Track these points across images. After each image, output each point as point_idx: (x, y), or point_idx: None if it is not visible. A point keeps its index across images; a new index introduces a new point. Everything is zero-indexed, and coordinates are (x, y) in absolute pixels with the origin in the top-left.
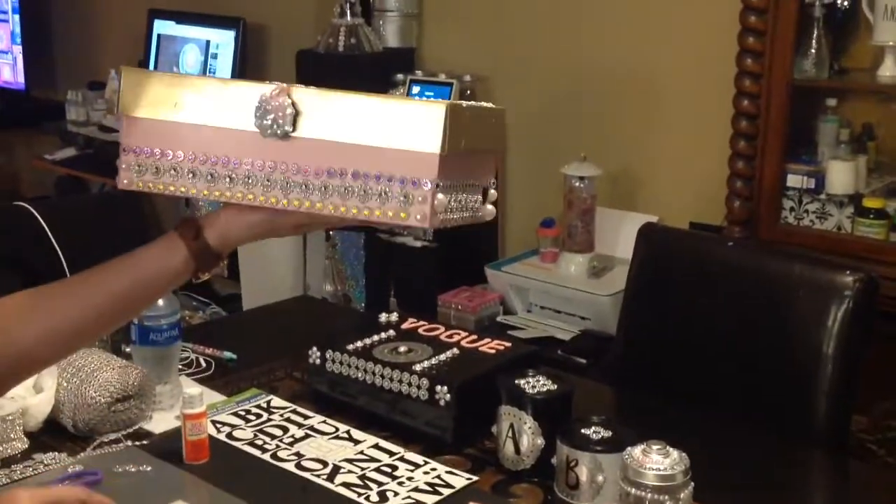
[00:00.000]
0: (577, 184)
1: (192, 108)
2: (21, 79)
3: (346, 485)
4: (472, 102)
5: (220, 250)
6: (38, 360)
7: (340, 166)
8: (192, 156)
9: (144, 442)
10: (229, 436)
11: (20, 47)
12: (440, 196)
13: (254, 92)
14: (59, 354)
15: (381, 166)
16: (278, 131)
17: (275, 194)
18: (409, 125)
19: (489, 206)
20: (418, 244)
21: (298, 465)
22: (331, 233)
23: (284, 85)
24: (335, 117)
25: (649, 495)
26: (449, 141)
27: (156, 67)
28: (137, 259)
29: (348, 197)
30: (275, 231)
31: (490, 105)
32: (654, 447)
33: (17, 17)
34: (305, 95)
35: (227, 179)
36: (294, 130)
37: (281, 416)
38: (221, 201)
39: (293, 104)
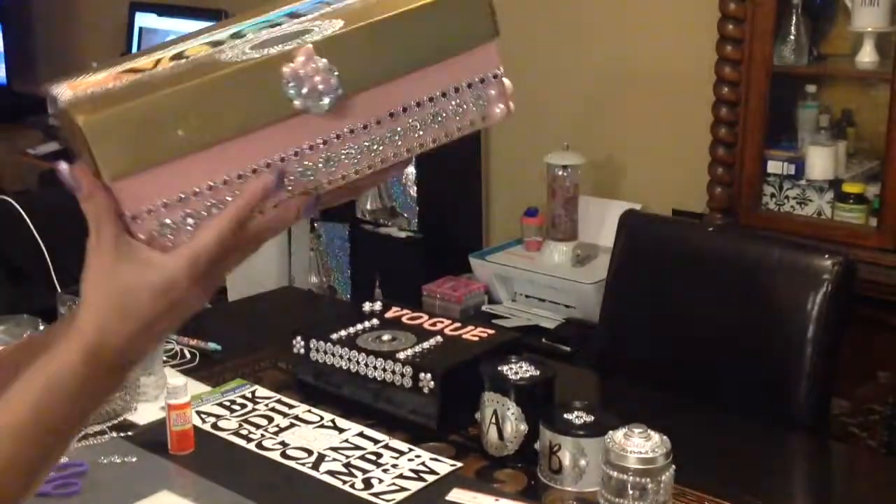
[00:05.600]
0: (561, 172)
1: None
2: (2, 73)
3: (332, 473)
4: None
5: None
6: None
7: (402, 104)
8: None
9: (129, 433)
10: (214, 426)
11: (1, 41)
12: (505, 80)
13: (261, 74)
14: None
15: (444, 83)
16: (329, 98)
17: (342, 171)
18: (453, 25)
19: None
20: (403, 235)
21: (283, 454)
22: (315, 224)
23: (306, 46)
24: (374, 55)
25: (631, 478)
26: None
27: None
28: None
29: (423, 129)
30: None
31: None
32: (636, 431)
33: None
34: (330, 46)
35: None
36: (343, 91)
37: (266, 405)
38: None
39: (327, 63)
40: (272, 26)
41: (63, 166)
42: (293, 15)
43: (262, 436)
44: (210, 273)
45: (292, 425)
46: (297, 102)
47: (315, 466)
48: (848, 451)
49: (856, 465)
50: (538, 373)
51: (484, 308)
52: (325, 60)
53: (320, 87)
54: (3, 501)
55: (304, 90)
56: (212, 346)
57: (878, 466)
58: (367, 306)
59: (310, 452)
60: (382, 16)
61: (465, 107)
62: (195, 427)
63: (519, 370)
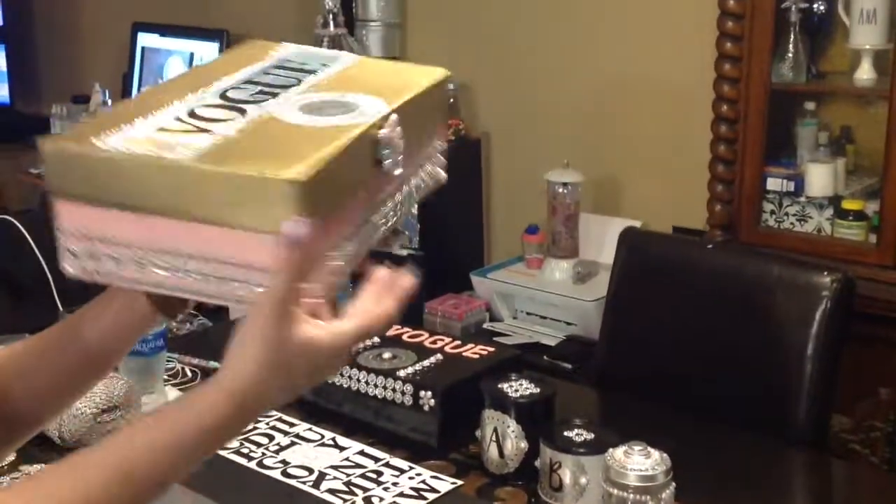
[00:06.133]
0: (561, 190)
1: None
2: (5, 93)
3: (332, 491)
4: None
5: None
6: (31, 421)
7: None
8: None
9: None
10: None
11: (4, 62)
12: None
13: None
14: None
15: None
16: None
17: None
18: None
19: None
20: (404, 252)
21: (284, 473)
22: None
23: (393, 116)
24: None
25: (631, 496)
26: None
27: (140, 81)
28: (98, 309)
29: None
30: None
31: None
32: (636, 448)
33: None
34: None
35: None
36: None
37: (266, 424)
38: None
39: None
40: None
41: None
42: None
43: (263, 454)
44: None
45: (293, 444)
46: (386, 163)
47: (316, 485)
48: (849, 468)
49: (857, 481)
50: (538, 390)
51: (485, 325)
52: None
53: (400, 150)
54: None
55: (393, 153)
56: (213, 364)
57: (879, 483)
58: None
59: (310, 471)
60: (413, 92)
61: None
62: None
63: (519, 388)
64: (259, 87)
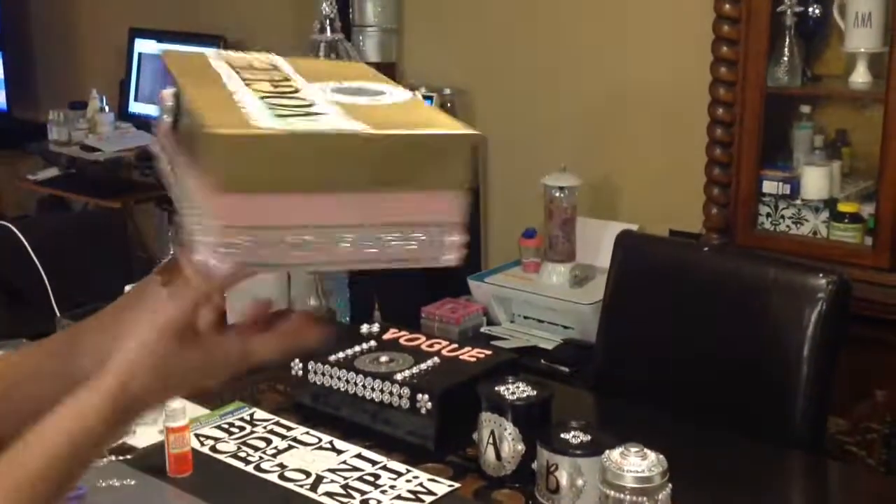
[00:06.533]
0: (558, 194)
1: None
2: (2, 100)
3: (330, 494)
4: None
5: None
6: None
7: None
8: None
9: (128, 456)
10: (213, 448)
11: (1, 68)
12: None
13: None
14: None
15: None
16: None
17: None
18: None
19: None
20: None
21: (282, 476)
22: None
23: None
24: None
25: (628, 497)
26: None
27: (137, 86)
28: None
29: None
30: None
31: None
32: (633, 450)
33: None
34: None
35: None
36: None
37: (264, 428)
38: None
39: None
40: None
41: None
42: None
43: (261, 458)
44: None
45: (290, 447)
46: None
47: (313, 488)
48: (845, 470)
49: (853, 483)
50: (535, 393)
51: (482, 329)
52: None
53: None
54: None
55: None
56: None
57: (875, 484)
58: (364, 328)
59: (308, 474)
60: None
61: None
62: (193, 450)
63: (516, 390)
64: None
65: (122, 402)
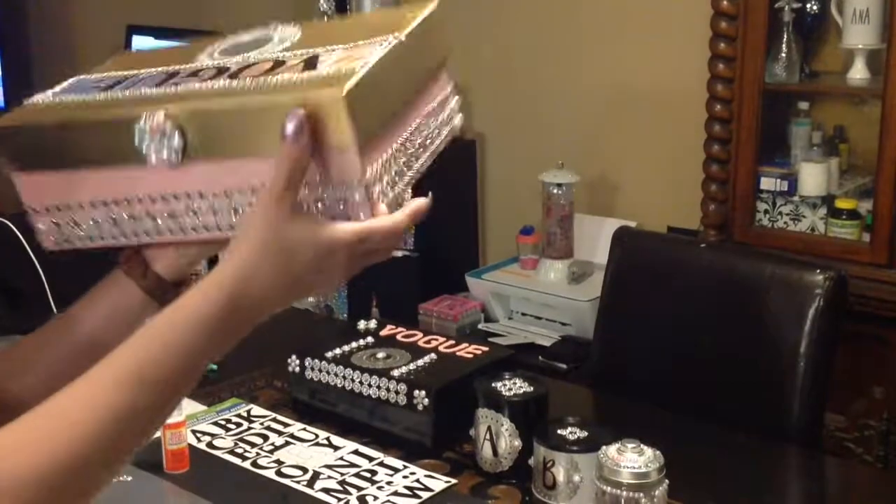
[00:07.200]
0: (556, 191)
1: (77, 150)
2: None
3: (326, 490)
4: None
5: (178, 278)
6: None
7: (250, 185)
8: (89, 203)
9: None
10: (209, 445)
11: None
12: (378, 188)
13: (133, 117)
14: None
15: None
16: (165, 160)
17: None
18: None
19: (457, 118)
20: (399, 254)
21: (279, 473)
22: None
23: (164, 110)
24: (224, 132)
25: (625, 493)
26: (359, 130)
27: None
28: (93, 301)
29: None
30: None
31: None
32: (629, 446)
33: None
34: (186, 112)
35: (131, 220)
36: (183, 158)
37: (261, 424)
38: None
39: (179, 129)
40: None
41: (300, 112)
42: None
43: (258, 454)
44: (362, 258)
45: (287, 443)
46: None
47: (310, 484)
48: (843, 466)
49: (851, 479)
50: (532, 389)
51: (480, 326)
52: (175, 126)
53: (160, 147)
54: (120, 452)
55: (146, 144)
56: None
57: (873, 480)
58: (361, 325)
59: (305, 470)
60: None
61: (324, 204)
62: (190, 446)
63: (513, 386)
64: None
65: (234, 288)
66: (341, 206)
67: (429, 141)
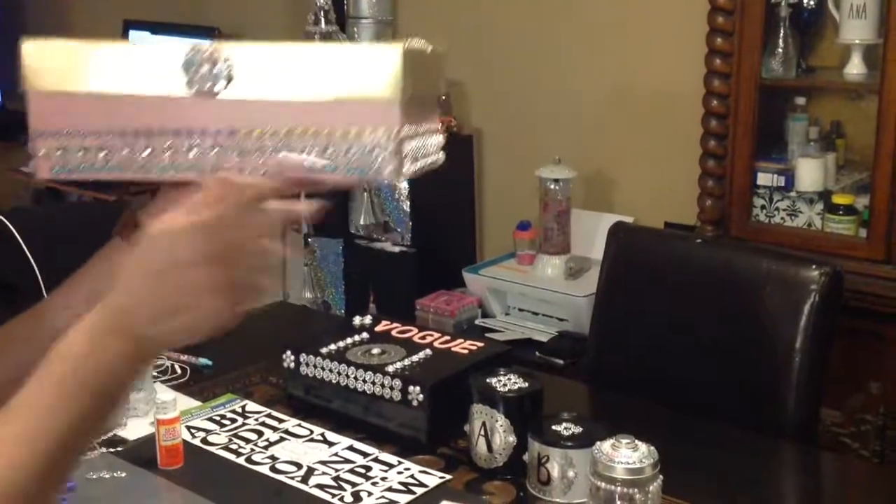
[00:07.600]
0: (553, 186)
1: (101, 75)
2: None
3: (321, 486)
4: (414, 45)
5: None
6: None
7: (287, 126)
8: (105, 131)
9: (119, 448)
10: (204, 441)
11: None
12: (407, 144)
13: (175, 51)
14: None
15: (335, 122)
16: (206, 87)
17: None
18: (359, 72)
19: (441, 153)
20: (396, 250)
21: (273, 468)
22: (309, 239)
23: (217, 43)
24: (275, 72)
25: (619, 489)
26: (405, 86)
27: None
28: (92, 269)
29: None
30: None
31: (428, 46)
32: (623, 441)
33: None
34: (240, 51)
35: (148, 152)
36: (226, 88)
37: (256, 420)
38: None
39: (227, 60)
40: None
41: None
42: None
43: (252, 450)
44: (217, 237)
45: (282, 439)
46: (183, 77)
47: (304, 480)
48: (839, 461)
49: (847, 474)
50: (527, 385)
51: (477, 322)
52: (225, 57)
53: (208, 73)
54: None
55: (193, 69)
56: (202, 361)
57: (869, 476)
58: (357, 320)
59: (299, 466)
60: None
61: (350, 151)
62: (185, 442)
63: (507, 382)
64: None
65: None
66: (374, 154)
67: (421, 154)
